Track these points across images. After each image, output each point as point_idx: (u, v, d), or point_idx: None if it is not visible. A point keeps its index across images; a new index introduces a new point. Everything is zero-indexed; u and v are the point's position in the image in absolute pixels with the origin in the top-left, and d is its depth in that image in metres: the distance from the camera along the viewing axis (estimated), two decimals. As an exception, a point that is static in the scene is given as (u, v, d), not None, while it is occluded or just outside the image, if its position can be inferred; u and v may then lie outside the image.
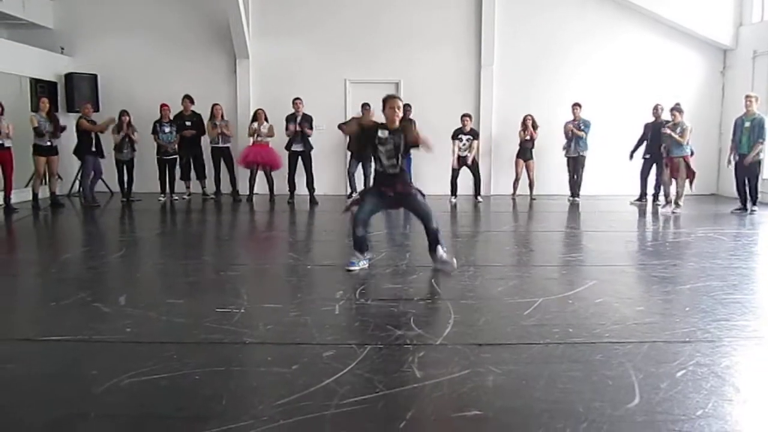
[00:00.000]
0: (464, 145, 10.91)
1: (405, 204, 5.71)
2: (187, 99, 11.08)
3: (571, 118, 11.02)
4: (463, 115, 11.00)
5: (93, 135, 10.40)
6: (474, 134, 11.05)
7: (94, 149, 10.43)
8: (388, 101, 5.51)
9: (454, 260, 5.52)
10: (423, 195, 5.63)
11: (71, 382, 3.17)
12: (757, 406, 2.94)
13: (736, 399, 2.95)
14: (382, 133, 5.48)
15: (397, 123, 5.50)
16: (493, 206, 10.85)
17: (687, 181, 9.68)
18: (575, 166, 11.14)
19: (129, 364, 3.28)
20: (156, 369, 3.22)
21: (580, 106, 10.97)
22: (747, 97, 9.69)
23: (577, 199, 11.10)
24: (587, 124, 10.93)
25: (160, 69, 11.92)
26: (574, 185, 11.21)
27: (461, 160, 10.95)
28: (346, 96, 12.01)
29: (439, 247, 5.51)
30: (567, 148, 11.12)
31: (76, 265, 6.23)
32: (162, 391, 3.02)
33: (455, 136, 10.86)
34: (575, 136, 10.92)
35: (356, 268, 5.45)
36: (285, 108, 10.84)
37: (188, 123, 11.02)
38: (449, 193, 10.96)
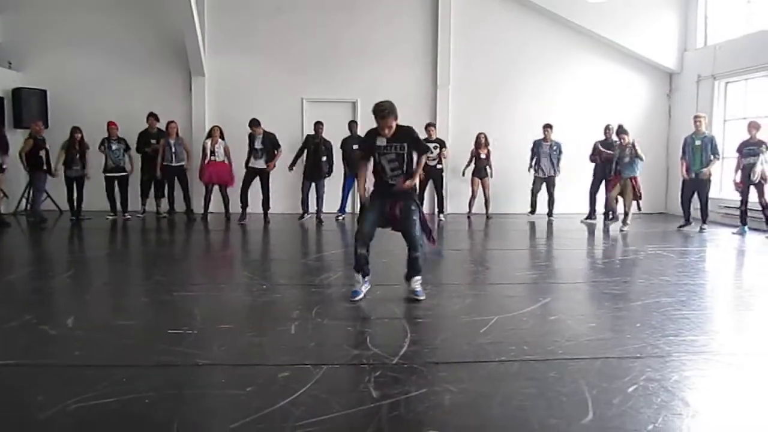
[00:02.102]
0: (432, 153, 10.94)
1: (401, 222, 5.12)
2: (152, 117, 10.92)
3: (542, 137, 11.23)
4: (428, 125, 11.05)
5: (44, 152, 10.03)
6: (441, 143, 11.12)
7: (45, 167, 10.05)
8: (382, 119, 4.95)
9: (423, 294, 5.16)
10: (422, 212, 5.23)
11: (15, 408, 3.04)
12: (705, 419, 3.01)
13: (686, 413, 3.02)
14: (380, 141, 5.05)
15: (392, 131, 5.00)
16: (449, 224, 10.93)
17: (634, 202, 9.96)
18: (548, 186, 11.35)
19: (77, 388, 3.17)
20: (105, 393, 3.12)
21: (551, 127, 11.20)
22: (696, 117, 10.12)
23: (551, 218, 11.34)
24: (559, 146, 11.19)
25: (112, 85, 11.70)
26: (549, 204, 11.41)
27: (428, 170, 10.94)
28: (302, 114, 11.99)
29: (415, 279, 5.14)
30: (537, 167, 11.30)
31: (21, 286, 6.00)
32: (111, 417, 2.92)
33: None
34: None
35: (360, 297, 5.08)
36: (241, 126, 10.72)
37: (153, 141, 10.83)
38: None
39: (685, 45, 12.52)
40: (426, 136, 11.00)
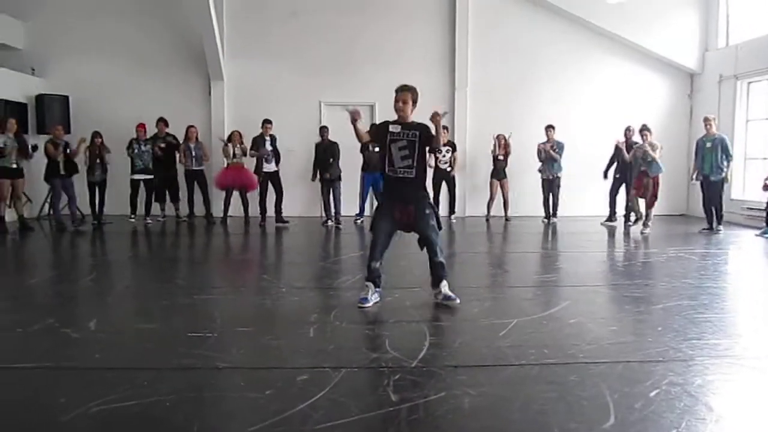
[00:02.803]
0: (444, 156, 10.98)
1: (416, 226, 4.99)
2: (162, 122, 11.02)
3: (545, 139, 11.16)
4: None
5: (62, 156, 10.15)
6: (452, 146, 11.14)
7: (63, 172, 10.15)
8: (397, 94, 4.98)
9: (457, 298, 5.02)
10: (437, 216, 5.08)
11: (37, 410, 3.07)
12: (729, 424, 2.96)
13: (709, 418, 2.97)
14: (394, 128, 4.94)
15: (410, 117, 4.97)
16: (467, 227, 10.90)
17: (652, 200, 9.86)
18: (551, 187, 11.26)
19: (98, 391, 3.20)
20: (126, 396, 3.14)
21: (553, 128, 11.14)
22: (705, 119, 10.07)
23: (554, 219, 11.21)
24: (561, 146, 11.08)
25: (133, 90, 11.82)
26: (550, 206, 11.31)
27: (440, 173, 10.97)
28: (320, 118, 12.02)
29: (443, 284, 5.02)
30: (542, 170, 11.25)
31: (44, 290, 6.09)
32: (132, 419, 2.95)
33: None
34: (549, 158, 11.06)
35: (369, 304, 4.95)
36: (260, 130, 10.82)
37: (162, 145, 10.94)
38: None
39: (706, 45, 12.38)
40: None
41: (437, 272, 5.02)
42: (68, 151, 10.16)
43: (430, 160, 10.52)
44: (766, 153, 10.75)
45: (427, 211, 4.99)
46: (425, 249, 5.03)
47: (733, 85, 11.47)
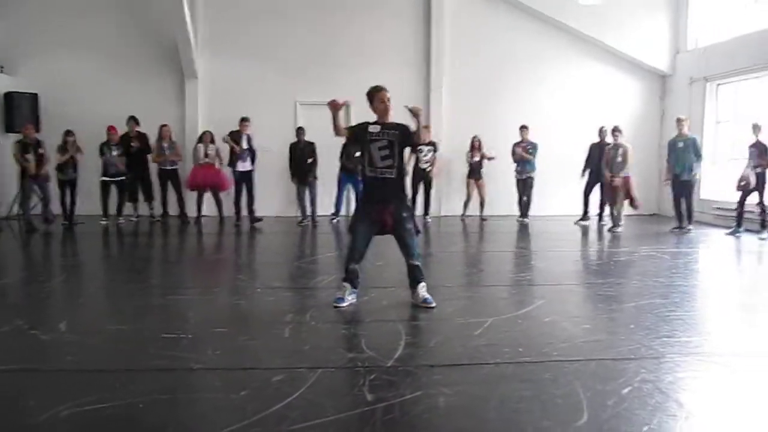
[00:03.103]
0: (424, 155, 10.99)
1: (394, 230, 4.98)
2: (133, 120, 10.86)
3: (519, 139, 11.25)
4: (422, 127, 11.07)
5: (31, 156, 9.93)
6: (434, 146, 11.16)
7: (34, 172, 9.93)
8: (377, 94, 4.95)
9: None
10: (415, 220, 5.09)
11: (6, 414, 3.01)
12: (699, 421, 3.01)
13: (680, 414, 3.02)
14: (373, 128, 4.92)
15: (390, 117, 4.98)
16: (443, 226, 10.94)
17: (626, 202, 10.02)
18: (524, 187, 11.35)
19: (69, 394, 3.15)
20: (98, 398, 3.10)
21: (527, 128, 11.22)
22: (678, 120, 10.21)
23: (526, 219, 11.29)
24: (534, 147, 11.17)
25: (104, 88, 11.64)
26: (524, 206, 11.40)
27: (420, 173, 10.98)
28: (296, 118, 11.96)
29: (421, 286, 4.99)
30: (516, 170, 11.33)
31: (13, 291, 5.96)
32: (104, 422, 2.90)
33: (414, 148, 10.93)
34: (523, 158, 11.15)
35: (344, 304, 4.91)
36: (234, 128, 10.75)
37: (133, 144, 10.79)
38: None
39: (677, 47, 12.58)
40: None
41: (414, 275, 5.01)
42: (39, 150, 9.97)
43: (411, 159, 10.57)
44: (734, 154, 10.94)
45: (405, 215, 5.00)
46: (402, 251, 5.04)
47: (703, 87, 11.67)
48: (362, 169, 5.07)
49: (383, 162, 4.91)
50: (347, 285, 5.00)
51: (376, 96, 4.99)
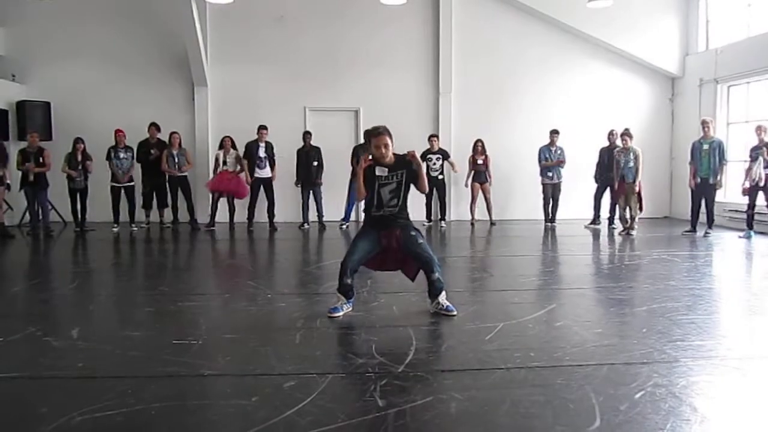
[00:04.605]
0: (434, 164, 11.06)
1: (405, 248, 4.95)
2: (153, 127, 10.94)
3: (548, 142, 11.23)
4: (430, 136, 11.33)
5: (32, 164, 10.00)
6: (444, 154, 11.23)
7: (31, 179, 9.98)
8: (373, 139, 4.88)
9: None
10: (422, 236, 5.06)
11: (19, 421, 3.03)
12: (713, 425, 2.98)
13: (694, 419, 2.99)
14: (380, 171, 4.89)
15: (391, 158, 4.91)
16: (453, 231, 10.92)
17: (638, 205, 9.98)
18: (554, 192, 11.33)
19: (81, 400, 3.16)
20: (110, 405, 3.11)
21: (558, 132, 11.22)
22: (704, 122, 10.06)
23: (555, 223, 11.27)
24: (563, 151, 11.23)
25: (115, 96, 11.74)
26: (553, 210, 11.39)
27: (431, 181, 10.98)
28: (305, 123, 11.99)
29: (442, 295, 4.96)
30: (547, 175, 11.28)
31: (25, 299, 6.01)
32: (116, 429, 2.91)
33: (424, 157, 10.93)
34: (559, 164, 11.14)
35: (339, 314, 4.88)
36: (244, 135, 10.84)
37: (153, 151, 10.86)
38: (424, 217, 11.30)
39: (687, 49, 12.52)
40: (429, 147, 11.14)
41: (436, 287, 4.95)
42: (41, 159, 10.04)
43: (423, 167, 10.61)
44: (746, 156, 10.85)
45: (413, 233, 4.97)
46: (423, 269, 4.98)
47: (714, 88, 11.60)
48: (367, 208, 5.05)
49: (390, 202, 4.93)
50: (341, 297, 4.97)
51: (372, 141, 4.91)
